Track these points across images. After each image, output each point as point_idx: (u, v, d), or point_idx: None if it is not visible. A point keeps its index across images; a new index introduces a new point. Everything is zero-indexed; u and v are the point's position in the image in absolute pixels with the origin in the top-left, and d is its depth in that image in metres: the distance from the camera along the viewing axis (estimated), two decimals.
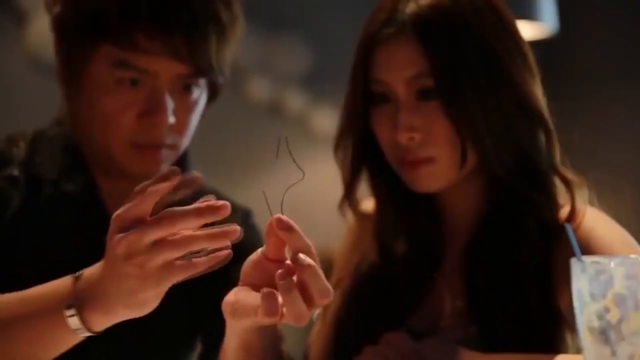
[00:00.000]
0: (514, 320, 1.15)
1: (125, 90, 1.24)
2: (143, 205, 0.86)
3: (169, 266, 0.84)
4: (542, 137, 1.21)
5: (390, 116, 1.19)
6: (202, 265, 0.85)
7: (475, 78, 1.17)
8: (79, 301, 0.90)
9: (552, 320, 1.15)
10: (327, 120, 3.34)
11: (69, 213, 1.30)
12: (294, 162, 0.86)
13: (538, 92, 1.22)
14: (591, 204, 1.22)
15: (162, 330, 1.29)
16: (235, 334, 0.99)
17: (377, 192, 1.28)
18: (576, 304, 0.84)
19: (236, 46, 1.32)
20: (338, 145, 1.27)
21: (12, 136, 1.34)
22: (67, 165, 1.31)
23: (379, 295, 1.26)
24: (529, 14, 2.70)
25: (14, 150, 1.31)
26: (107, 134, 1.26)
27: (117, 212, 0.87)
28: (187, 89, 1.28)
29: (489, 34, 1.19)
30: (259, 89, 3.30)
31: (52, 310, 0.93)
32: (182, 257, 0.85)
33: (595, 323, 0.81)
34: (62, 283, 0.94)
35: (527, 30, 2.68)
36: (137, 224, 0.85)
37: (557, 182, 1.22)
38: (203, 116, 1.34)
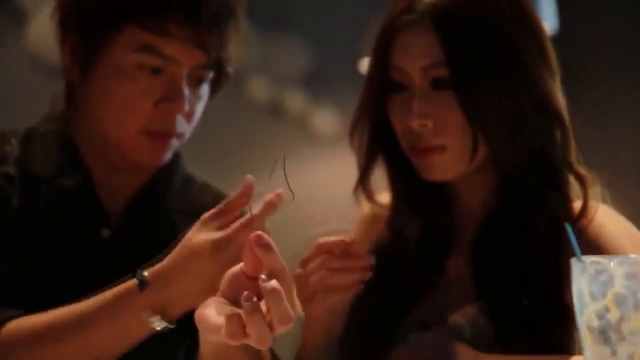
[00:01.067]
0: (521, 315, 1.15)
1: (145, 76, 1.25)
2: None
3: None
4: (557, 134, 1.21)
5: (405, 103, 1.20)
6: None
7: (490, 71, 1.17)
8: (154, 298, 1.06)
9: (559, 316, 1.14)
10: (327, 120, 3.34)
11: (65, 209, 1.29)
12: (287, 183, 0.86)
13: (556, 89, 1.22)
14: (604, 201, 1.22)
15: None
16: (205, 342, 0.98)
17: (392, 180, 1.29)
18: (576, 303, 0.84)
19: (238, 45, 1.33)
20: (354, 130, 1.27)
21: (3, 134, 1.33)
22: (62, 161, 1.31)
23: (387, 283, 1.26)
24: None
25: (6, 148, 1.31)
26: (122, 120, 1.27)
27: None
28: (199, 79, 1.30)
29: (507, 28, 1.18)
30: (259, 89, 3.30)
31: (131, 308, 1.08)
32: None
33: (595, 323, 0.81)
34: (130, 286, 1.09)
35: None
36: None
37: (571, 179, 1.22)
38: (203, 114, 1.35)
